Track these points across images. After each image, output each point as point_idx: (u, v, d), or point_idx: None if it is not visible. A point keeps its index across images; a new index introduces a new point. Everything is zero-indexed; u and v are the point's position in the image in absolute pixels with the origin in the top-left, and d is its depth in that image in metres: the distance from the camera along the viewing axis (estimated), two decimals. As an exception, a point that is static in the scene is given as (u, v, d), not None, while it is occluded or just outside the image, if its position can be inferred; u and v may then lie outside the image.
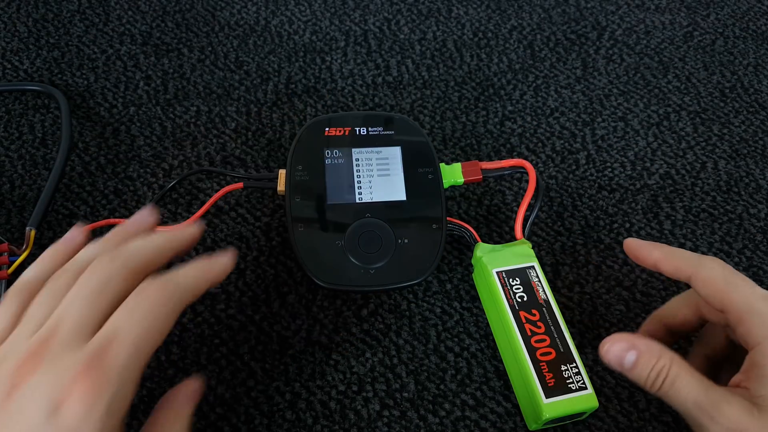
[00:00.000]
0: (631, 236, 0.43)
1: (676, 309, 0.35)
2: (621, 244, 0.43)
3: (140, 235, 0.30)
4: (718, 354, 0.34)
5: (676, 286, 0.41)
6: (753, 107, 0.52)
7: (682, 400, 0.28)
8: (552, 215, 0.44)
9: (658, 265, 0.33)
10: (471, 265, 0.40)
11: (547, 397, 0.32)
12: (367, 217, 0.38)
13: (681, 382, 0.28)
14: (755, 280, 0.41)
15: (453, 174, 0.40)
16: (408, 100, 0.50)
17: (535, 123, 0.49)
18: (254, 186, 0.41)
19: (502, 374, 0.36)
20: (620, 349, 0.30)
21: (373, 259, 0.37)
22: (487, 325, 0.38)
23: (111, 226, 0.41)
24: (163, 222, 0.42)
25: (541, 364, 0.33)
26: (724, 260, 0.42)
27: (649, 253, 0.33)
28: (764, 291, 0.29)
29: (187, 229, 0.31)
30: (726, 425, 0.27)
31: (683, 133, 0.50)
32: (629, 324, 0.39)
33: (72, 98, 0.48)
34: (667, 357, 0.29)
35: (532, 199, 0.39)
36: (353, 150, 0.41)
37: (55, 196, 0.42)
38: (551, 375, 0.33)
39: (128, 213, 0.42)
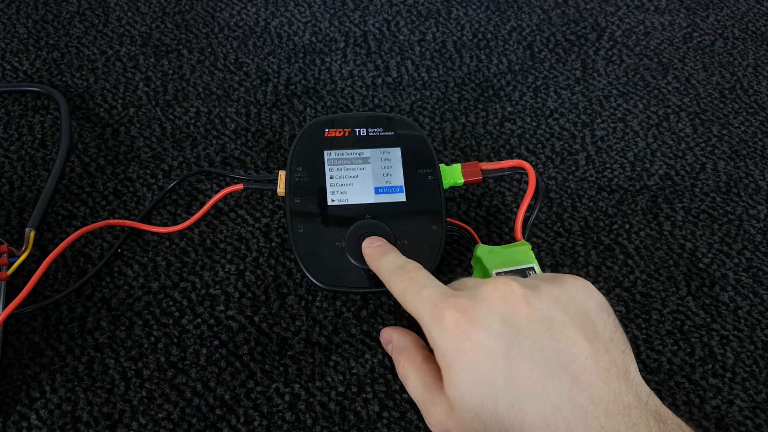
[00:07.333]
0: (630, 237, 0.43)
1: None
2: (621, 245, 0.43)
3: None
4: None
5: (676, 287, 0.41)
6: (752, 108, 0.52)
7: (412, 396, 0.31)
8: (552, 216, 0.44)
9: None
10: (471, 266, 0.40)
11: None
12: (367, 218, 0.38)
13: (410, 380, 0.31)
14: (755, 282, 0.41)
15: (453, 175, 0.40)
16: (408, 101, 0.50)
17: (534, 124, 0.49)
18: (254, 187, 0.41)
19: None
20: (384, 340, 0.34)
21: (373, 261, 0.37)
22: (487, 326, 0.38)
23: (111, 228, 0.42)
24: (162, 223, 0.42)
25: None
26: (724, 261, 0.42)
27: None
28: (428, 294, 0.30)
29: None
30: (434, 424, 0.29)
31: (683, 134, 0.50)
32: (629, 325, 0.39)
33: (72, 99, 0.48)
34: (405, 354, 0.32)
35: (531, 200, 0.39)
36: (353, 151, 0.41)
37: (54, 197, 0.42)
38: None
39: (128, 214, 0.42)
